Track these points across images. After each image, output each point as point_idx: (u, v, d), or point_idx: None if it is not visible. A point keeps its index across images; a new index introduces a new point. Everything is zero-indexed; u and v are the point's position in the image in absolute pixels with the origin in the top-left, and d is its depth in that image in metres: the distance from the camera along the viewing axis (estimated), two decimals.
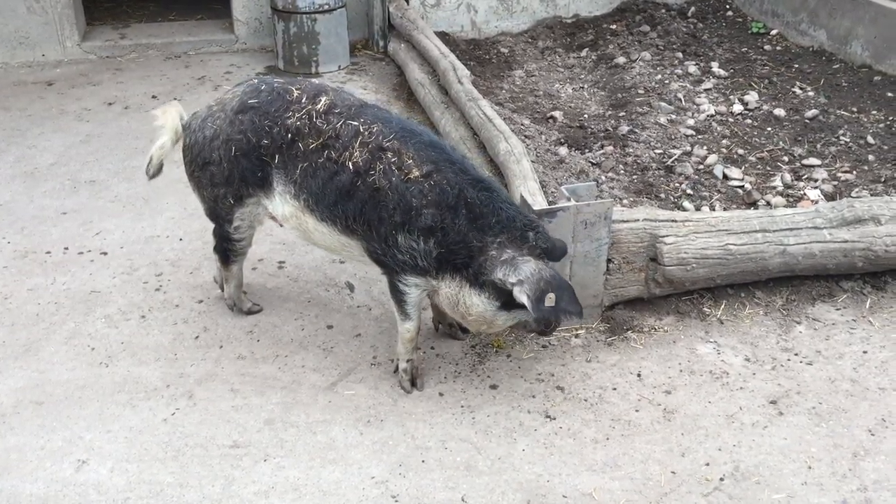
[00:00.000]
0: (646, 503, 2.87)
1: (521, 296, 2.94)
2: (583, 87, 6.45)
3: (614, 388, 3.41)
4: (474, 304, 3.10)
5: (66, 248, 4.39)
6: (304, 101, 3.29)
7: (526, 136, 5.03)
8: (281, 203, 3.33)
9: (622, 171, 4.81)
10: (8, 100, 6.25)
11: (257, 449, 3.10)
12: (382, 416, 3.26)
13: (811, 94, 6.03)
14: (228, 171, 3.36)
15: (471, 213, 3.04)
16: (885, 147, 5.16)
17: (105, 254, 4.34)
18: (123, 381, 3.44)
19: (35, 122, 5.91)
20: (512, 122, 5.19)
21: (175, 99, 5.78)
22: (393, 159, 3.10)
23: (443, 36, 7.11)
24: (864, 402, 3.32)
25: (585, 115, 5.81)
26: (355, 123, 3.19)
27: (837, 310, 3.87)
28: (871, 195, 4.50)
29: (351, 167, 3.12)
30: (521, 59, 6.99)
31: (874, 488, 2.92)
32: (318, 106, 3.25)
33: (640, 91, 6.05)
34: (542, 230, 3.14)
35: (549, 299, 2.93)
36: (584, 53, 7.07)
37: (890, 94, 5.92)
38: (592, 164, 4.87)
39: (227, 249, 3.64)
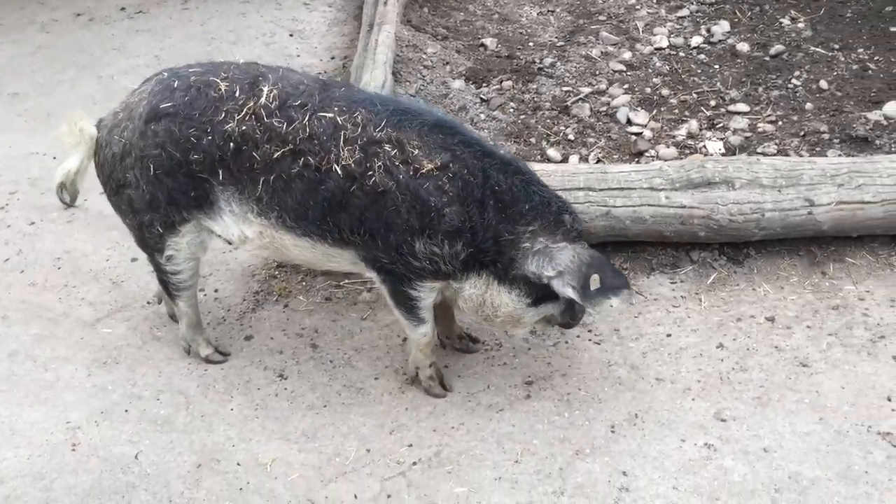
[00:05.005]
0: (317, 481, 2.68)
1: (565, 288, 2.57)
2: (552, 11, 5.92)
3: (372, 350, 3.19)
4: (503, 304, 2.70)
5: None
6: (238, 95, 2.65)
7: (424, 67, 4.70)
8: (236, 224, 2.76)
9: (511, 110, 4.40)
10: None
11: None
12: (121, 358, 3.19)
13: (801, 25, 5.27)
14: (150, 194, 2.75)
15: (500, 202, 2.60)
16: (839, 94, 4.46)
17: None
18: None
19: (1, 32, 6.06)
20: (415, 49, 4.84)
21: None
22: (393, 152, 2.57)
23: None
24: (628, 394, 2.94)
25: (531, 44, 5.34)
26: (329, 115, 2.60)
27: (672, 283, 3.43)
28: (777, 152, 3.92)
29: (340, 172, 2.57)
30: None
31: (571, 493, 2.60)
32: (264, 99, 2.63)
33: (602, 18, 5.50)
34: (576, 212, 2.76)
35: (594, 281, 2.57)
36: None
37: (893, 29, 5.09)
38: (482, 100, 4.48)
39: (166, 283, 3.01)
